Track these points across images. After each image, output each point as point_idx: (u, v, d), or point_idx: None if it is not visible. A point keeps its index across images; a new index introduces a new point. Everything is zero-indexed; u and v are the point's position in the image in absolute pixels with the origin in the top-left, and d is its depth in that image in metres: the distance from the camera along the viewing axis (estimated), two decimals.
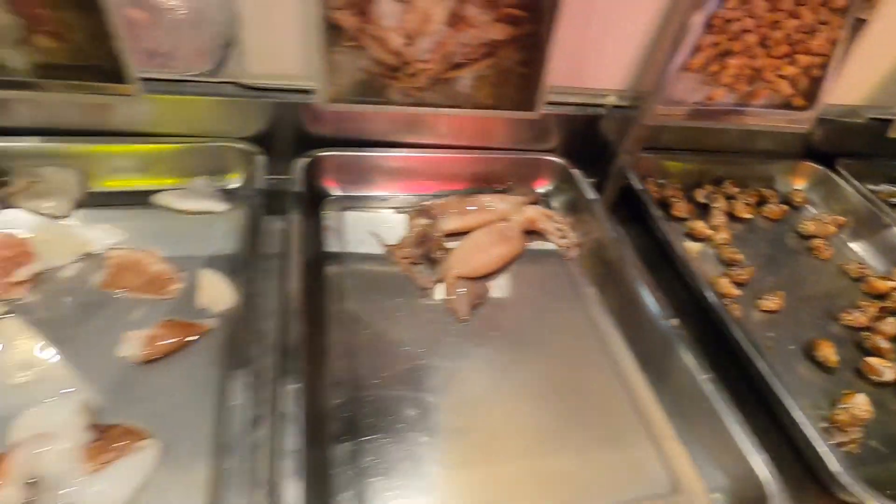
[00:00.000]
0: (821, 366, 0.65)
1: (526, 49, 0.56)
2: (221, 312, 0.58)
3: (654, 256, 0.73)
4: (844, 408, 0.59)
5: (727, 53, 0.63)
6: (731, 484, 0.51)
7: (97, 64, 0.50)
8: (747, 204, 0.87)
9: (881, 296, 0.76)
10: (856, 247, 0.87)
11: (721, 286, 0.71)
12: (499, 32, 0.54)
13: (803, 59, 0.67)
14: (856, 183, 0.91)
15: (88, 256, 0.61)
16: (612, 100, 0.80)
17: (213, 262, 0.63)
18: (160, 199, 0.70)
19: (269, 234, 0.65)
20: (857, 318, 0.71)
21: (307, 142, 0.74)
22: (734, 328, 0.60)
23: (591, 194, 0.77)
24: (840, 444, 0.57)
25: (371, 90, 0.57)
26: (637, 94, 0.70)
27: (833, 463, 0.50)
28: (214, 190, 0.72)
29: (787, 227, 0.88)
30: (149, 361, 0.52)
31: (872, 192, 0.90)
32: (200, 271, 0.61)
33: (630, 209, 0.81)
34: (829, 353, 0.65)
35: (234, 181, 0.72)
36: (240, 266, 0.62)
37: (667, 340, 0.59)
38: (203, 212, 0.70)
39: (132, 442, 0.45)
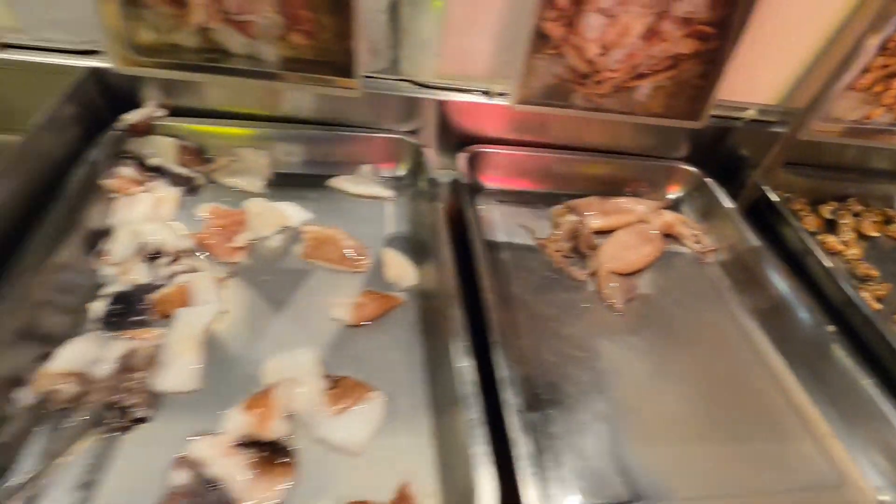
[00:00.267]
0: None
1: (706, 63, 0.60)
2: (408, 287, 0.65)
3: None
4: None
5: (894, 75, 0.65)
6: None
7: (333, 60, 0.57)
8: (874, 222, 0.89)
9: None
10: None
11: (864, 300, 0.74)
12: (687, 47, 0.58)
13: None
14: None
15: (287, 229, 0.69)
16: (751, 113, 0.83)
17: (391, 243, 0.70)
18: (335, 182, 0.77)
19: (437, 220, 0.71)
20: None
21: (463, 137, 0.80)
22: (891, 336, 0.62)
23: (727, 203, 0.81)
24: None
25: (557, 94, 0.62)
26: (788, 109, 0.73)
27: None
28: (381, 177, 0.79)
29: None
30: (357, 325, 0.59)
31: None
32: (382, 250, 0.68)
33: (758, 220, 0.84)
34: None
35: (399, 170, 0.80)
36: (415, 247, 0.69)
37: (822, 345, 0.62)
38: (373, 196, 0.77)
39: (362, 393, 0.52)
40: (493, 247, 0.73)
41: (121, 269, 0.57)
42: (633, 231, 0.78)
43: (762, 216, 0.83)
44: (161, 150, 0.71)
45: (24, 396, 0.46)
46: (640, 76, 0.60)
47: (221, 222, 0.67)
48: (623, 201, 0.83)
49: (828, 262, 0.72)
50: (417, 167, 0.78)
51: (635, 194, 0.86)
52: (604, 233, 0.78)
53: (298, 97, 0.72)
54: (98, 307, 0.54)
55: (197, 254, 0.62)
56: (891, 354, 0.62)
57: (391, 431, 0.51)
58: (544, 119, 0.80)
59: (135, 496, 0.43)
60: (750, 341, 0.68)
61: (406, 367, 0.56)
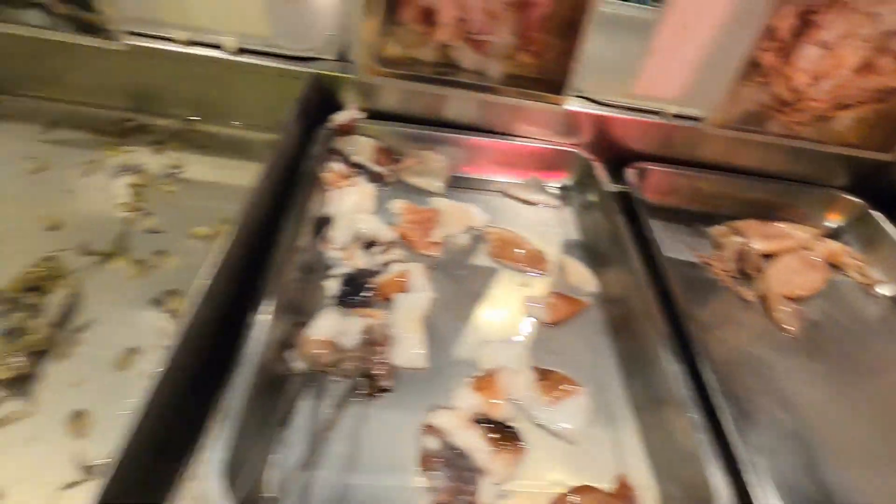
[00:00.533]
0: None
1: None
2: (590, 293, 0.68)
3: None
4: None
5: None
6: None
7: (548, 78, 0.62)
8: None
9: None
10: None
11: None
12: None
13: None
14: None
15: (471, 229, 0.75)
16: None
17: (568, 249, 0.74)
18: (505, 187, 0.82)
19: (619, 232, 0.72)
20: None
21: (627, 154, 0.83)
22: None
23: (895, 235, 0.80)
24: None
25: (753, 120, 0.65)
26: None
27: None
28: (546, 185, 0.84)
29: None
30: (551, 324, 0.63)
31: None
32: (562, 256, 0.73)
33: None
34: None
35: (564, 180, 0.84)
36: (591, 255, 0.73)
37: None
38: (539, 203, 0.81)
39: (569, 386, 0.56)
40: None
41: (345, 254, 0.65)
42: (797, 256, 0.78)
43: None
44: (361, 148, 0.78)
45: (294, 358, 0.53)
46: (844, 107, 0.61)
47: (415, 218, 0.73)
48: (783, 226, 0.83)
49: None
50: (586, 179, 0.82)
51: (791, 220, 0.86)
52: (765, 256, 0.79)
53: (484, 106, 0.78)
54: (332, 286, 0.61)
55: (400, 246, 0.69)
56: None
57: (599, 424, 0.55)
58: (697, 139, 0.82)
59: (394, 453, 0.49)
60: None
61: (601, 367, 0.60)
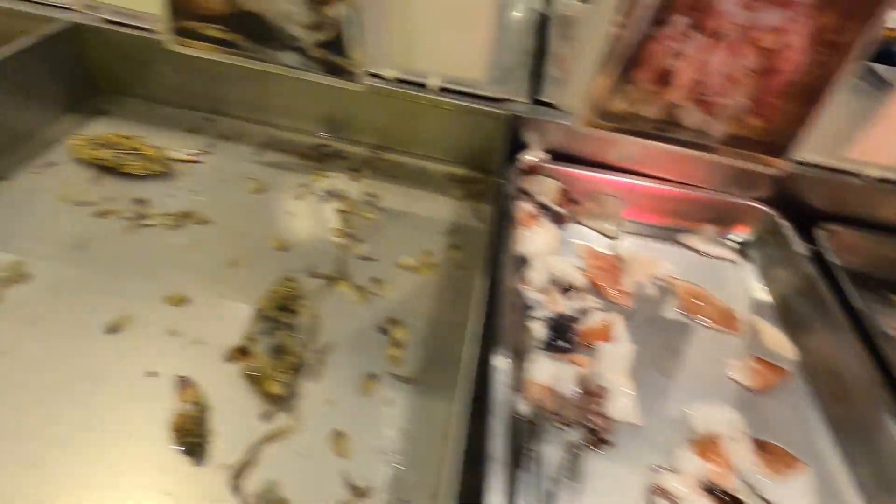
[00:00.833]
0: None
1: None
2: (789, 359, 0.67)
3: None
4: None
5: None
6: None
7: (772, 140, 0.61)
8: None
9: None
10: None
11: None
12: None
13: None
14: None
15: (656, 279, 0.75)
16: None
17: (758, 309, 0.72)
18: (683, 238, 0.82)
19: (822, 295, 0.69)
20: None
21: (807, 211, 0.80)
22: None
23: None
24: None
25: None
26: None
27: None
28: (726, 239, 0.82)
29: None
30: (755, 390, 0.63)
31: None
32: (754, 317, 0.71)
33: None
34: None
35: (745, 235, 0.82)
36: (786, 316, 0.70)
37: None
38: (719, 257, 0.80)
39: (791, 462, 0.55)
40: None
41: (546, 298, 0.67)
42: None
43: None
44: (546, 188, 0.81)
45: (519, 401, 0.56)
46: None
47: (600, 263, 0.75)
48: None
49: None
50: (769, 236, 0.79)
51: None
52: None
53: (681, 160, 0.78)
54: (538, 329, 0.64)
55: (591, 291, 0.70)
56: None
57: None
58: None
59: None
60: None
61: (818, 444, 0.58)
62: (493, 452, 0.45)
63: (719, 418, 0.57)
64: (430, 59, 0.69)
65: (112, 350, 0.55)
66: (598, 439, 0.54)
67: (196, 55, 0.68)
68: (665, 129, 0.62)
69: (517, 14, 0.98)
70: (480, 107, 0.80)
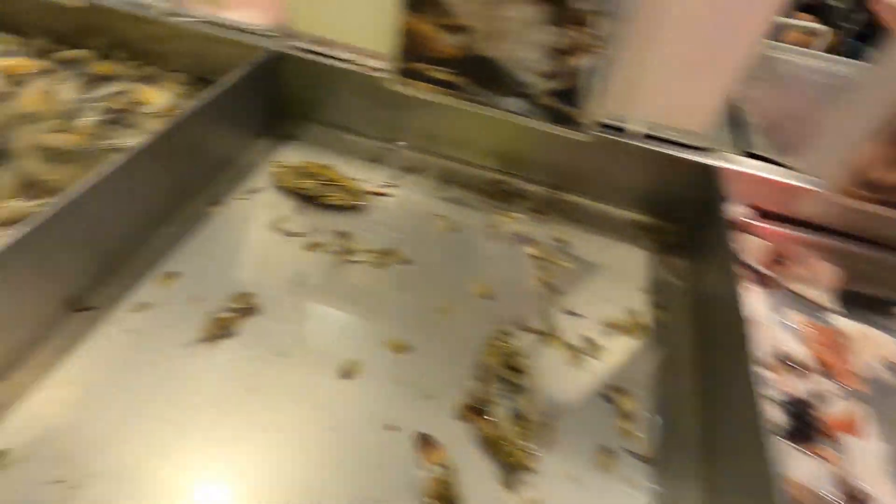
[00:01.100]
0: None
1: None
2: None
3: None
4: None
5: None
6: None
7: None
8: None
9: None
10: None
11: None
12: None
13: None
14: None
15: (888, 362, 0.68)
16: None
17: None
18: None
19: None
20: None
21: None
22: None
23: None
24: None
25: None
26: None
27: None
28: None
29: None
30: None
31: None
32: None
33: None
34: None
35: None
36: None
37: None
38: None
39: None
40: None
41: (777, 376, 0.62)
42: None
43: None
44: (752, 248, 0.76)
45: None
46: None
47: (822, 339, 0.69)
48: None
49: None
50: None
51: None
52: None
53: None
54: (775, 413, 0.59)
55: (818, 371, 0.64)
56: None
57: None
58: None
59: None
60: None
61: None
62: None
63: None
64: (656, 107, 0.66)
65: (347, 397, 0.55)
66: None
67: (416, 95, 0.68)
68: None
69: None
70: (682, 155, 0.76)
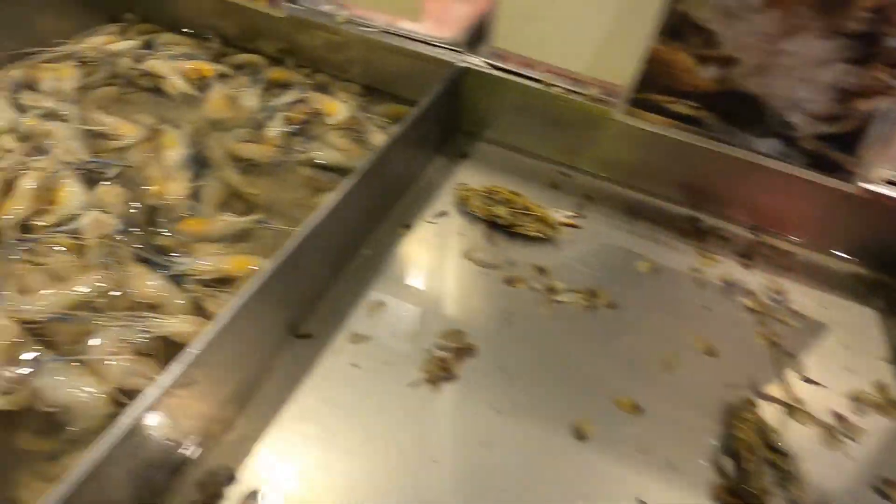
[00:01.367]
0: None
1: None
2: None
3: None
4: None
5: None
6: None
7: None
8: None
9: None
10: None
11: None
12: None
13: None
14: None
15: None
16: None
17: None
18: None
19: None
20: None
21: None
22: None
23: None
24: None
25: None
26: None
27: None
28: None
29: None
30: None
31: None
32: None
33: None
34: None
35: None
36: None
37: None
38: None
39: None
40: None
41: None
42: None
43: None
44: None
45: None
46: None
47: None
48: None
49: None
50: None
51: None
52: None
53: None
54: None
55: None
56: None
57: None
58: None
59: None
60: None
61: None
62: None
63: None
64: None
65: (587, 462, 0.51)
66: None
67: (644, 128, 0.63)
68: None
69: None
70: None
